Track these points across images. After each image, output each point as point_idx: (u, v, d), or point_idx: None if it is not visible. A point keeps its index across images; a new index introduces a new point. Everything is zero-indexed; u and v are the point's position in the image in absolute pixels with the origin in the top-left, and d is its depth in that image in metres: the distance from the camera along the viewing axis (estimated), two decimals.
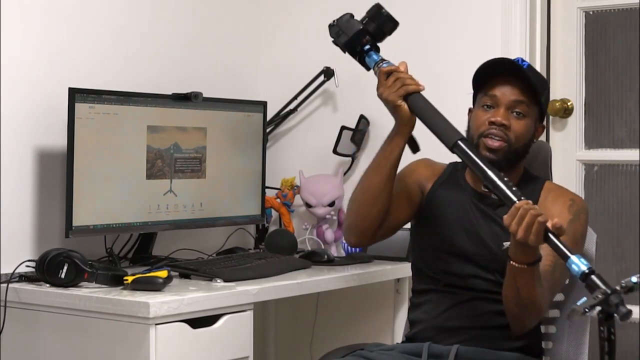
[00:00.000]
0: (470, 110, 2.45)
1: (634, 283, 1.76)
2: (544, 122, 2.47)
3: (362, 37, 2.36)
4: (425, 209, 2.46)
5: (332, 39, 2.42)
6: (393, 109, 2.29)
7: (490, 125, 2.33)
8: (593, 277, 1.79)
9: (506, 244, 2.24)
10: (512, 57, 2.76)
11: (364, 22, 2.38)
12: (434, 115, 2.24)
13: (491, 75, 2.38)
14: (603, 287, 1.77)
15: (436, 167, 2.53)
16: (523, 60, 2.42)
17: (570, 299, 2.52)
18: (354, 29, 2.36)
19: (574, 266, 1.85)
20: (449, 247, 2.39)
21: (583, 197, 3.08)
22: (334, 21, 2.41)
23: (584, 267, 1.83)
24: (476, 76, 2.41)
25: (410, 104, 2.27)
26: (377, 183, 2.34)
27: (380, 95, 2.31)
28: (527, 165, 2.48)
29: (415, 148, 2.34)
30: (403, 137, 2.31)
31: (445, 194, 2.44)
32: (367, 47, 2.37)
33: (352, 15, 2.39)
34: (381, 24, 2.37)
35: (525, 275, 2.12)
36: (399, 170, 2.39)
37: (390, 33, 2.40)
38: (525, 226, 2.01)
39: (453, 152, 2.18)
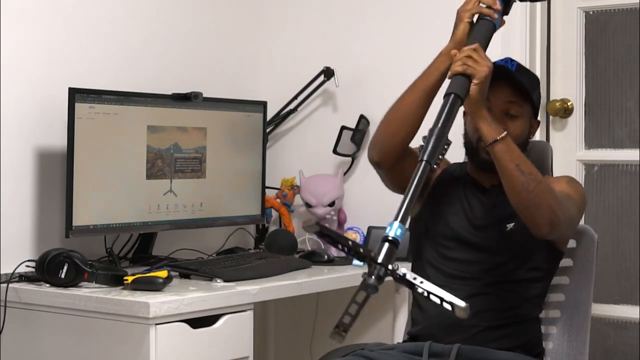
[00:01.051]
0: (465, 113, 2.46)
1: (399, 274, 1.71)
2: (538, 118, 2.48)
3: None
4: (432, 194, 2.48)
5: None
6: (455, 24, 2.28)
7: None
8: (385, 244, 1.74)
9: (509, 225, 2.33)
10: (513, 57, 2.77)
11: None
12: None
13: None
14: (380, 256, 1.72)
15: (445, 160, 2.56)
16: (512, 60, 2.43)
17: (570, 299, 2.52)
18: None
19: (388, 226, 1.78)
20: (452, 233, 2.40)
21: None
22: None
23: (389, 232, 1.76)
24: None
25: (474, 27, 2.24)
26: (410, 102, 2.33)
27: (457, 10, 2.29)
28: None
29: None
30: (447, 58, 2.28)
31: (451, 185, 2.48)
32: None
33: None
34: None
35: (510, 149, 2.18)
36: None
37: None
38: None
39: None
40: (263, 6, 3.63)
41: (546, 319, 2.54)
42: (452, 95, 2.04)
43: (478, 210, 2.43)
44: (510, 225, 2.37)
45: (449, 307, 1.70)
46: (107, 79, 2.99)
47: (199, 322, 2.45)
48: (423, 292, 1.71)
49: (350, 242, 1.75)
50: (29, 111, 2.82)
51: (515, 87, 2.37)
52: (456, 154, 2.66)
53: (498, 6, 2.24)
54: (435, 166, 1.89)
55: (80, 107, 2.72)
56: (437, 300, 1.70)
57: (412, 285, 1.73)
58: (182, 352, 2.41)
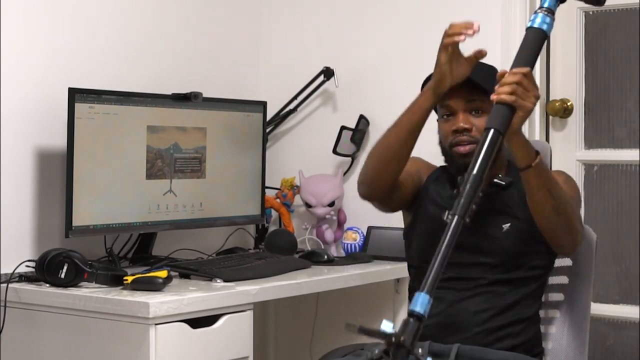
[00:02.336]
0: (439, 120, 2.47)
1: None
2: (537, 117, 2.47)
3: None
4: (419, 203, 2.47)
5: None
6: (438, 53, 2.28)
7: (455, 134, 2.36)
8: (410, 320, 1.63)
9: (505, 226, 2.34)
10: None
11: None
12: None
13: None
14: (404, 336, 1.59)
15: (430, 165, 2.56)
16: None
17: (570, 299, 2.52)
18: None
19: (414, 300, 1.66)
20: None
21: (583, 197, 3.08)
22: None
23: (414, 307, 1.66)
24: None
25: (524, 37, 2.02)
26: (395, 142, 2.32)
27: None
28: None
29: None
30: (431, 96, 2.27)
31: (437, 190, 2.46)
32: None
33: None
34: None
35: (542, 174, 2.18)
36: None
37: None
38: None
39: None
40: (263, 6, 3.63)
41: (546, 319, 2.54)
42: (493, 131, 1.76)
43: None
44: (506, 226, 2.36)
45: None
46: (107, 79, 2.99)
47: (198, 322, 2.45)
48: None
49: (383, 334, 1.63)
50: (29, 111, 2.82)
51: (473, 85, 2.35)
52: (442, 159, 2.65)
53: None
54: (467, 219, 1.67)
55: (80, 107, 2.72)
56: None
57: None
58: (182, 352, 2.41)
